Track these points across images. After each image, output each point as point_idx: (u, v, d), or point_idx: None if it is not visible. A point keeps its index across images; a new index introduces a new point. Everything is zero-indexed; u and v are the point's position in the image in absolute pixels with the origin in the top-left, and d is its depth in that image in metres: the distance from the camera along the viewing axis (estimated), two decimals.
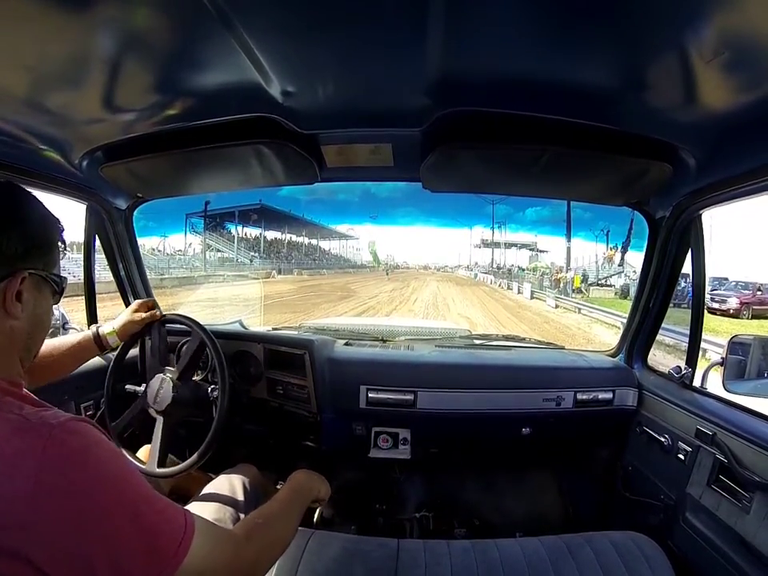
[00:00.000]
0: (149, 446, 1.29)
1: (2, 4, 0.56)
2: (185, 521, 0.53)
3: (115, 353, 1.31)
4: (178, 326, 1.32)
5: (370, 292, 18.91)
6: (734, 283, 13.85)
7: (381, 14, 0.63)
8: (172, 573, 0.49)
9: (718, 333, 8.13)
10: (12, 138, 0.97)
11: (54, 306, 1.46)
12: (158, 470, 1.18)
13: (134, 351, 1.39)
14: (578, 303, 14.25)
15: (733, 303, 12.45)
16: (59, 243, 0.63)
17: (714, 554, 1.03)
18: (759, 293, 12.79)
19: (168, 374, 1.23)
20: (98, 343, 1.16)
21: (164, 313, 1.32)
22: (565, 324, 11.73)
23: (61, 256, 0.65)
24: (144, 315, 1.26)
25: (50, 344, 1.03)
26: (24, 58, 0.69)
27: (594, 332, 10.51)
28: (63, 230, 0.64)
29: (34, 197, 0.62)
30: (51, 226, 0.62)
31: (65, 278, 0.64)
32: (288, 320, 8.43)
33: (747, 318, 12.08)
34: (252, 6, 0.61)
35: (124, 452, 1.21)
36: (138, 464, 1.20)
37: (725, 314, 12.11)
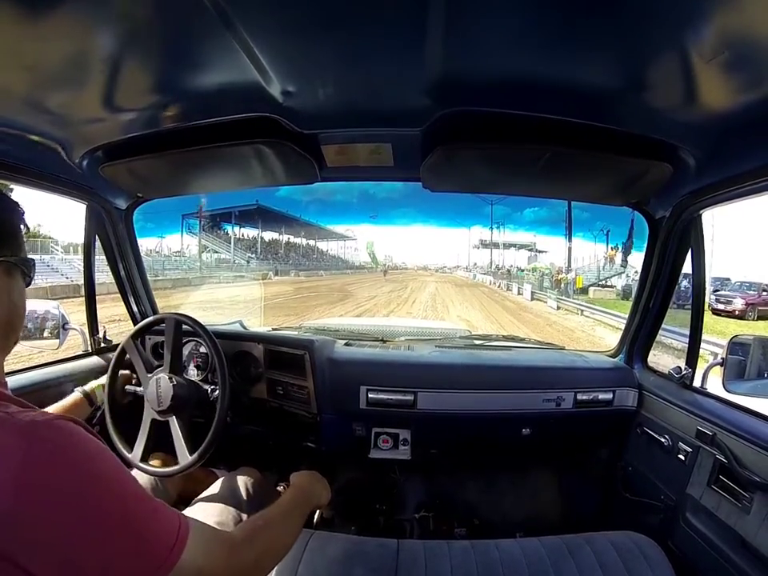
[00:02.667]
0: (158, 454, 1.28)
1: (2, 4, 0.57)
2: (179, 522, 0.52)
3: (114, 353, 1.31)
4: (162, 325, 1.30)
5: (368, 293, 18.76)
6: (738, 284, 13.61)
7: (381, 13, 0.63)
8: (166, 574, 0.48)
9: (726, 335, 8.06)
10: (12, 138, 0.97)
11: (54, 306, 1.45)
12: (158, 469, 1.18)
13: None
14: (580, 304, 13.90)
15: (738, 304, 12.22)
16: (21, 227, 0.62)
17: (714, 554, 1.03)
18: (765, 293, 12.55)
19: (160, 372, 1.23)
20: (89, 400, 1.21)
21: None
22: (568, 327, 11.49)
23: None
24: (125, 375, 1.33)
25: None
26: (24, 58, 0.69)
27: (600, 335, 10.23)
28: (24, 212, 0.62)
29: None
30: (12, 212, 0.60)
31: (33, 260, 0.63)
32: (283, 323, 8.38)
33: (753, 320, 11.84)
34: (252, 6, 0.61)
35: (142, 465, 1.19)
36: (152, 467, 1.19)
37: (730, 315, 11.89)
